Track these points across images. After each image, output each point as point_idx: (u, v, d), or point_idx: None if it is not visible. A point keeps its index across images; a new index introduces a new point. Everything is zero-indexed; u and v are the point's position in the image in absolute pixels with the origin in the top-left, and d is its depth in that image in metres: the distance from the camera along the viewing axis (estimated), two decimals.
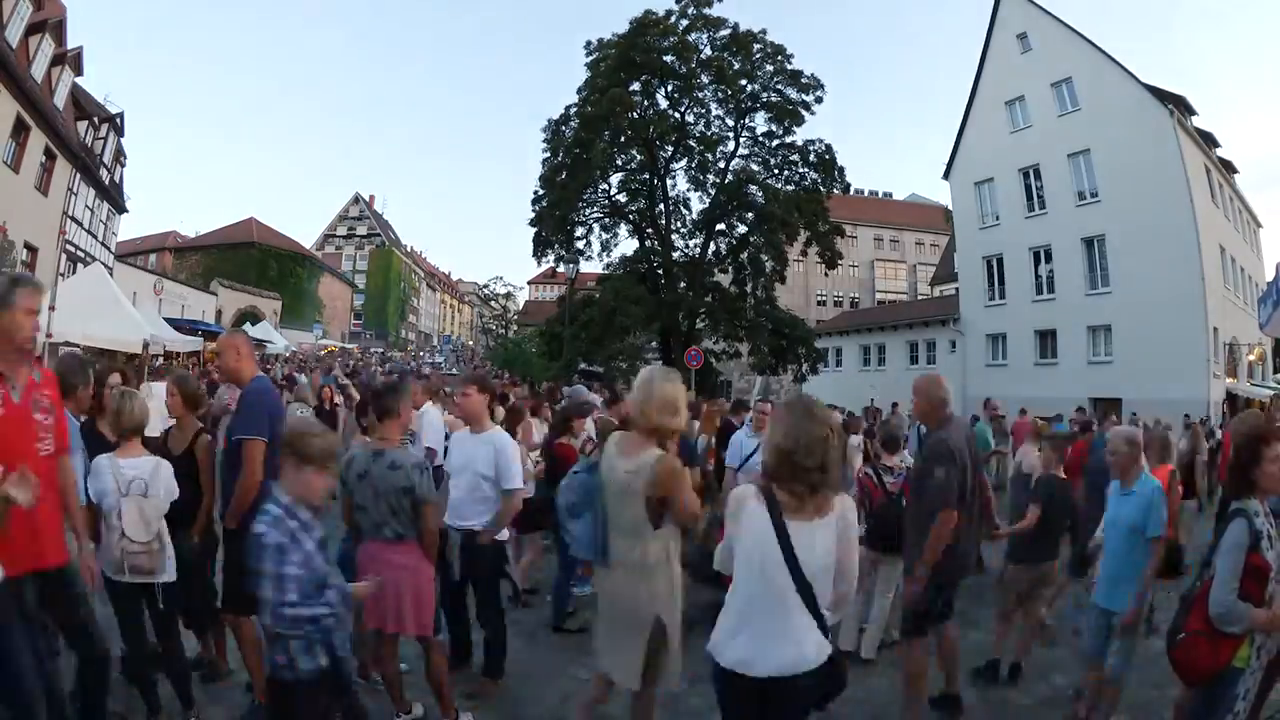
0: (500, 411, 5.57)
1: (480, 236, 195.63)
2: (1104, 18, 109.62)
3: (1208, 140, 22.36)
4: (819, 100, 24.94)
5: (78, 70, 20.27)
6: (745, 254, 25.64)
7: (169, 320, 19.77)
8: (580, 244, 26.99)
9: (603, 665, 2.74)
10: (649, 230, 26.63)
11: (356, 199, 75.17)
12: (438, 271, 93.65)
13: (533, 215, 26.73)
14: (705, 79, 24.96)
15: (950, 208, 29.39)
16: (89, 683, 2.70)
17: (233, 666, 3.73)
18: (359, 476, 3.16)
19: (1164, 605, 4.51)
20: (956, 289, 29.18)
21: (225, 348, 3.66)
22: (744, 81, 24.87)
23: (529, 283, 76.71)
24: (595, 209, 27.07)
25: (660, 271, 25.85)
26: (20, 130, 16.60)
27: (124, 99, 33.25)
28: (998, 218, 25.10)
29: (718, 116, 25.90)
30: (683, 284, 25.64)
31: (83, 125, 21.16)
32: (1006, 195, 24.65)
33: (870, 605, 4.83)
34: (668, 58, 24.59)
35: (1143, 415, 13.13)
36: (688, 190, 26.62)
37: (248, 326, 26.47)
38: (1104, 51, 21.72)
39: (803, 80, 24.85)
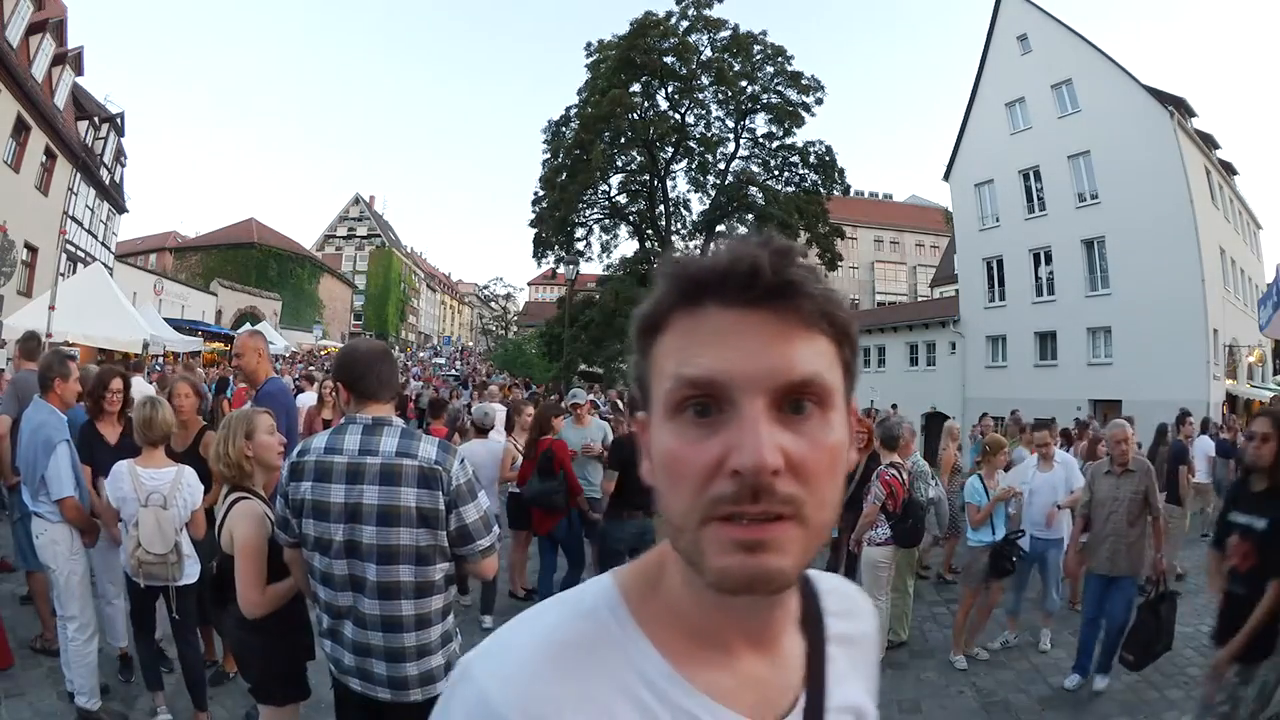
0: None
1: (480, 237, 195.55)
2: (1104, 19, 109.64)
3: (1208, 142, 22.35)
4: (819, 102, 25.02)
5: (78, 70, 20.28)
6: None
7: (169, 320, 19.77)
8: (580, 245, 27.03)
9: None
10: (649, 231, 26.65)
11: (357, 199, 75.13)
12: (438, 272, 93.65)
13: (533, 216, 26.77)
14: (705, 80, 25.01)
15: (950, 209, 29.37)
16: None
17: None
18: None
19: None
20: (956, 290, 29.16)
21: (246, 349, 3.71)
22: (744, 83, 24.92)
23: (529, 284, 76.91)
24: (595, 210, 27.10)
25: None
26: (20, 130, 16.60)
27: (124, 99, 33.31)
28: (998, 219, 25.08)
29: (718, 118, 25.96)
30: None
31: (83, 125, 21.17)
32: (1006, 197, 24.63)
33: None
34: (668, 59, 24.63)
35: (1143, 417, 13.09)
36: (688, 191, 26.77)
37: (247, 327, 26.43)
38: (1104, 53, 21.72)
39: (803, 82, 24.90)
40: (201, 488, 3.27)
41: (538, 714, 0.50)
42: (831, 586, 0.68)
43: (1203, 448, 8.78)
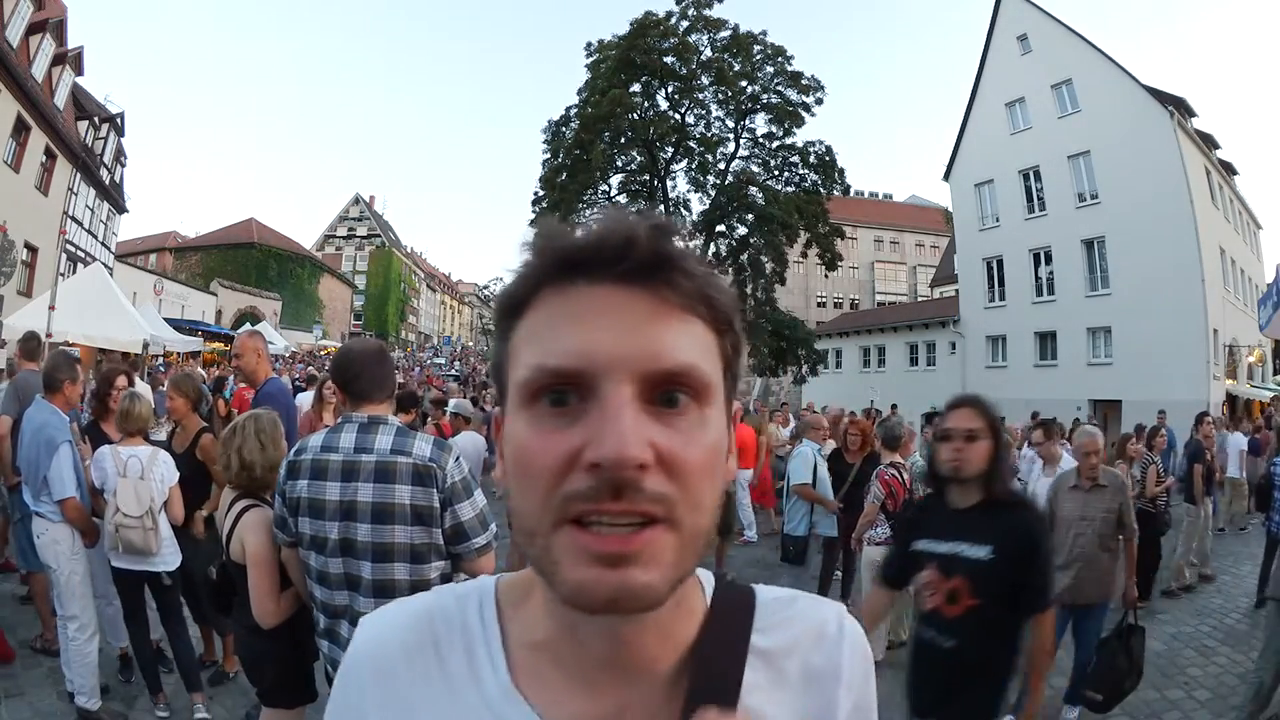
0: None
1: (480, 237, 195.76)
2: (1104, 19, 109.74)
3: (1208, 142, 22.35)
4: (819, 102, 24.99)
5: (78, 70, 20.27)
6: (745, 255, 25.66)
7: (169, 320, 19.75)
8: None
9: None
10: None
11: (357, 199, 75.11)
12: (438, 272, 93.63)
13: (533, 216, 26.76)
14: (705, 80, 25.00)
15: (950, 209, 29.38)
16: None
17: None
18: None
19: None
20: (956, 291, 29.17)
21: (246, 349, 3.74)
22: (744, 83, 24.91)
23: None
24: (595, 210, 27.06)
25: None
26: (20, 130, 16.60)
27: (124, 99, 33.32)
28: (998, 219, 25.09)
29: (718, 118, 25.95)
30: None
31: (83, 125, 21.16)
32: (1006, 197, 24.65)
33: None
34: (668, 59, 24.62)
35: (1143, 417, 13.12)
36: (688, 191, 26.69)
37: (247, 327, 26.36)
38: (1104, 53, 21.73)
39: (803, 82, 24.88)
40: (176, 472, 3.35)
41: (383, 675, 0.52)
42: (780, 612, 0.55)
43: (1236, 444, 9.22)
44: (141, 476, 3.21)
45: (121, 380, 3.85)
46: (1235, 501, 9.33)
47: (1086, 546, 3.80)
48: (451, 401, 7.21)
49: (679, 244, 0.46)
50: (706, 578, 0.56)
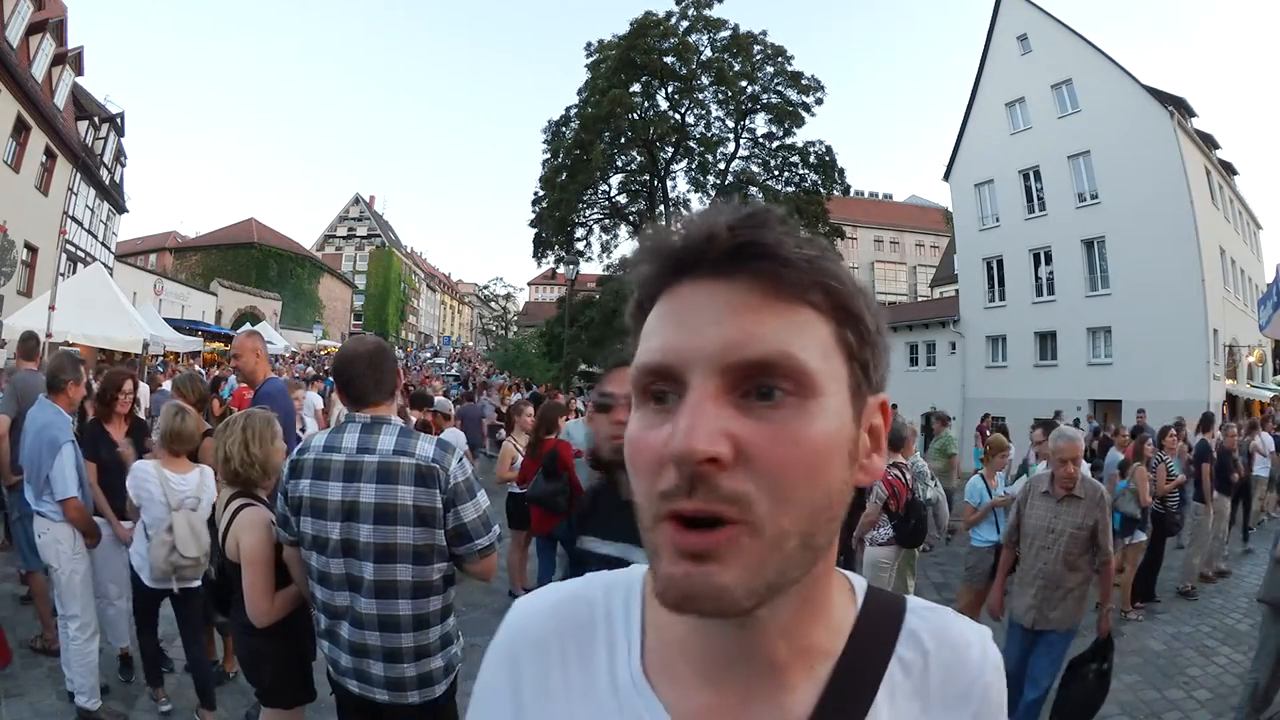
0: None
1: (480, 237, 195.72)
2: (1104, 19, 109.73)
3: (1208, 142, 22.34)
4: (819, 102, 25.04)
5: (78, 70, 20.27)
6: None
7: (169, 320, 19.75)
8: (580, 245, 27.07)
9: None
10: (649, 232, 26.74)
11: (357, 199, 75.11)
12: (438, 272, 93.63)
13: (533, 216, 26.80)
14: (705, 80, 25.04)
15: (950, 209, 29.37)
16: None
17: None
18: None
19: None
20: (956, 290, 29.14)
21: (244, 350, 3.72)
22: (744, 83, 24.95)
23: (529, 284, 76.90)
24: (595, 210, 27.14)
25: None
26: (20, 130, 16.60)
27: (124, 99, 33.33)
28: (998, 219, 25.07)
29: (718, 118, 26.01)
30: None
31: (83, 125, 21.16)
32: (1006, 197, 24.63)
33: None
34: (668, 59, 24.66)
35: (1144, 417, 13.12)
36: (688, 191, 26.77)
37: (246, 327, 26.32)
38: (1104, 53, 21.73)
39: (803, 82, 24.92)
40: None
41: (524, 658, 0.54)
42: (927, 626, 0.53)
43: (1265, 444, 9.44)
44: (194, 508, 3.12)
45: (128, 384, 3.82)
46: (1256, 500, 9.50)
47: (1050, 564, 3.41)
48: (435, 400, 7.43)
49: (773, 231, 0.45)
50: (860, 585, 0.56)
